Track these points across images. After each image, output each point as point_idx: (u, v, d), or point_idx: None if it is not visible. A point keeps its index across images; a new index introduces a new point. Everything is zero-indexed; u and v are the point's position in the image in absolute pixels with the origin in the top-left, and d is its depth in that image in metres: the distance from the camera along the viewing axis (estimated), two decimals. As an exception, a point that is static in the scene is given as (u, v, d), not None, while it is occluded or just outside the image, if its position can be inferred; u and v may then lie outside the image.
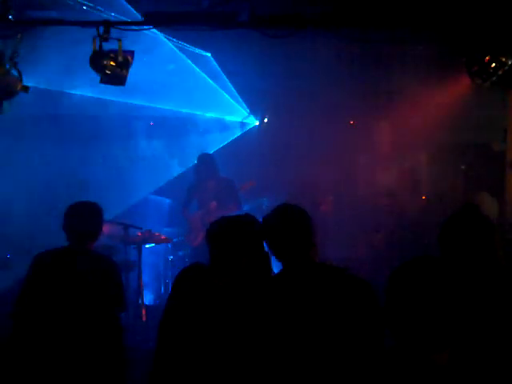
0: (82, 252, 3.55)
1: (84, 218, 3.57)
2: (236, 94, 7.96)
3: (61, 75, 5.90)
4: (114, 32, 4.27)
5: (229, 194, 6.72)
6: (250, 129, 8.81)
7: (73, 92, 6.87)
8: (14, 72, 4.34)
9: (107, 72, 4.36)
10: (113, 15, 4.60)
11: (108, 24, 4.27)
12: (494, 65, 4.21)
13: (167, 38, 5.80)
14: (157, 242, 6.32)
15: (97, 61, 4.31)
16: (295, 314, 2.53)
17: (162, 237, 6.29)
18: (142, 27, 4.55)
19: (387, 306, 1.82)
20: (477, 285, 2.56)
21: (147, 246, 6.32)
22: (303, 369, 2.45)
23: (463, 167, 7.33)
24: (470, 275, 2.61)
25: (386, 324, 1.82)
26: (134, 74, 4.44)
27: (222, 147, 8.37)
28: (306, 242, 2.67)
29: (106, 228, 5.71)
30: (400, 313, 1.77)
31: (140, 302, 5.95)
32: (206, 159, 6.92)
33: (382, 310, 2.46)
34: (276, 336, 2.52)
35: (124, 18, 4.61)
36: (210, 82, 7.36)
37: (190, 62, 6.69)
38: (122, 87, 4.47)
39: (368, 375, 1.95)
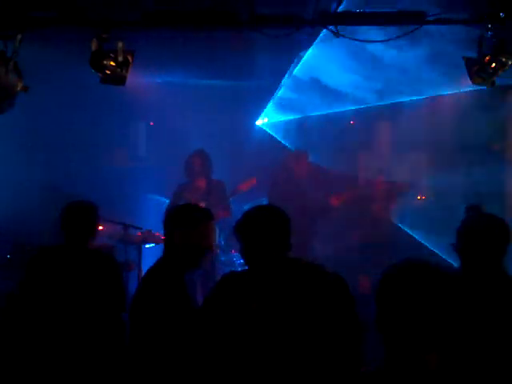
0: (80, 250, 3.57)
1: (78, 216, 3.64)
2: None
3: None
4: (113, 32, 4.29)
5: (219, 197, 6.56)
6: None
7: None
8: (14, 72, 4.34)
9: (107, 72, 4.37)
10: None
11: (108, 24, 4.27)
12: (494, 65, 4.21)
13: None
14: (157, 242, 6.31)
15: (97, 61, 4.32)
16: (268, 310, 2.54)
17: (162, 237, 6.27)
18: (141, 27, 4.55)
19: (378, 308, 1.80)
20: (492, 291, 2.57)
21: (147, 246, 6.32)
22: (277, 362, 2.46)
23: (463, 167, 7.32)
24: (487, 283, 2.62)
25: (376, 325, 1.81)
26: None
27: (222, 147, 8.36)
28: (281, 243, 2.69)
29: (105, 228, 5.75)
30: (391, 313, 1.76)
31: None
32: (201, 155, 6.75)
33: (354, 305, 2.48)
34: (248, 333, 2.54)
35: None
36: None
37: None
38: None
39: (343, 372, 1.95)
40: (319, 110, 8.02)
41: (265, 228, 2.67)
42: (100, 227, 3.91)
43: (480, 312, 2.42)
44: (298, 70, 6.87)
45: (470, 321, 2.07)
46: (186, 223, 3.05)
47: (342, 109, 7.83)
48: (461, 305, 1.73)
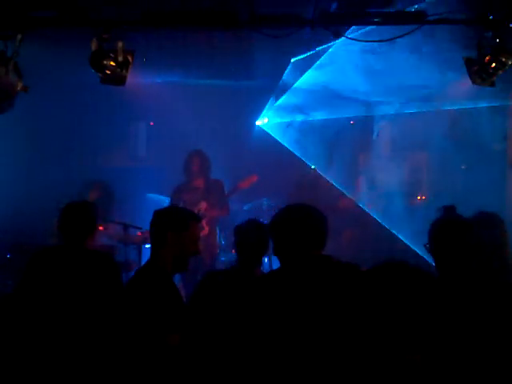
0: (78, 250, 3.57)
1: (77, 216, 3.64)
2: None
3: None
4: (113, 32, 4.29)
5: (218, 197, 6.56)
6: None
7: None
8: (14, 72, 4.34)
9: (107, 72, 4.37)
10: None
11: (108, 24, 4.27)
12: (494, 65, 4.21)
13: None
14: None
15: (97, 61, 4.32)
16: (302, 309, 2.53)
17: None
18: (141, 27, 4.55)
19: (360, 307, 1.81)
20: (466, 292, 2.57)
21: (147, 246, 6.32)
22: (308, 363, 2.45)
23: (463, 167, 7.33)
24: (461, 283, 2.62)
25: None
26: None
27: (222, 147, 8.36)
28: (318, 241, 2.69)
29: (105, 228, 5.76)
30: (373, 315, 1.76)
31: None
32: (199, 155, 6.76)
33: None
34: (285, 333, 2.52)
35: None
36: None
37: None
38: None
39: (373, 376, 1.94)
40: (320, 113, 8.03)
41: (301, 225, 2.67)
42: (100, 227, 3.91)
43: (456, 311, 2.43)
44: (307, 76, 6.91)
45: (447, 320, 2.09)
46: (179, 225, 3.05)
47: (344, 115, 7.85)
48: (438, 304, 1.75)
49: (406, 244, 7.16)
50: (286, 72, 7.01)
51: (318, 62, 6.47)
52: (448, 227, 2.81)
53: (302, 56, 6.40)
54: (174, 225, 3.07)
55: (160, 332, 2.75)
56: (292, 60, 6.62)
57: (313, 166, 7.46)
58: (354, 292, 2.47)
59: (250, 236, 3.56)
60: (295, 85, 7.33)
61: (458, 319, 2.43)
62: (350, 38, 4.52)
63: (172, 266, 3.06)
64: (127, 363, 2.88)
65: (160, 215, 3.19)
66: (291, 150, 8.27)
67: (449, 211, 3.15)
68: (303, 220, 2.70)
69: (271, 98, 8.30)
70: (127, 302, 2.94)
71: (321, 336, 2.47)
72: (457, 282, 2.64)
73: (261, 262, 3.67)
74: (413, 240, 6.99)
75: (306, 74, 6.89)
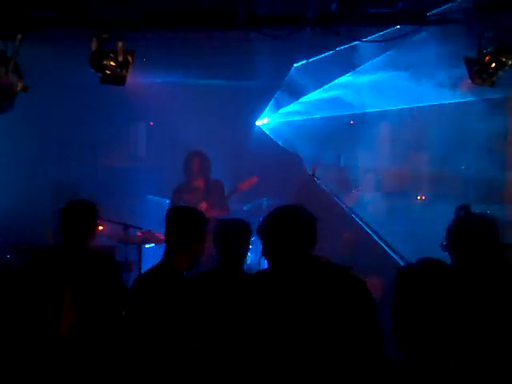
0: (79, 251, 3.57)
1: (77, 216, 3.63)
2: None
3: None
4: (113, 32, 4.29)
5: (218, 197, 6.56)
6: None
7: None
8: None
9: (107, 72, 4.37)
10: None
11: (108, 24, 4.27)
12: (493, 65, 4.21)
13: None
14: (157, 242, 6.30)
15: (97, 61, 4.32)
16: (290, 310, 2.53)
17: (162, 237, 6.26)
18: (141, 27, 4.55)
19: (395, 311, 1.80)
20: (489, 289, 2.57)
21: (147, 246, 6.32)
22: (302, 366, 2.45)
23: (463, 167, 7.32)
24: (483, 280, 2.62)
25: (393, 329, 1.80)
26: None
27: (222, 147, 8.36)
28: (306, 242, 2.67)
29: (106, 228, 5.75)
30: (408, 318, 1.76)
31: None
32: (199, 156, 6.75)
33: (375, 310, 2.47)
34: (274, 334, 2.52)
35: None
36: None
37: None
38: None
39: (366, 377, 1.94)
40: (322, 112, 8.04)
41: (288, 227, 2.66)
42: (100, 227, 3.90)
43: (481, 309, 2.43)
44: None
45: (479, 319, 2.09)
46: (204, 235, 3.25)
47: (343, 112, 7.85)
48: (469, 302, 1.75)
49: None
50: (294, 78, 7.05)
51: (329, 84, 6.51)
52: (470, 225, 2.81)
53: (304, 62, 6.42)
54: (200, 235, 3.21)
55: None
56: (295, 65, 6.63)
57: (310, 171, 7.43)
58: (342, 294, 2.48)
59: (230, 236, 3.56)
60: (304, 99, 7.38)
61: (485, 319, 2.44)
62: (351, 39, 4.52)
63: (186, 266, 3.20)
64: (129, 361, 2.88)
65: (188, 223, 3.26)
66: (291, 149, 8.27)
67: (464, 210, 3.15)
68: (291, 221, 2.67)
69: (272, 100, 8.31)
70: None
71: (310, 336, 2.47)
72: (479, 278, 2.64)
73: (243, 263, 3.67)
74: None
75: (316, 93, 6.91)
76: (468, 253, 2.74)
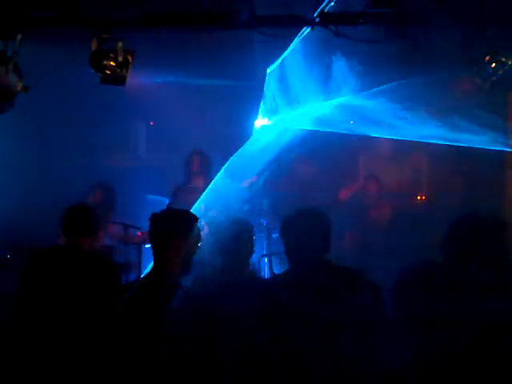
0: (78, 252, 3.58)
1: (78, 218, 3.67)
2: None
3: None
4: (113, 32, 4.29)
5: None
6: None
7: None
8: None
9: (107, 72, 4.37)
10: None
11: (108, 24, 4.28)
12: (494, 65, 4.21)
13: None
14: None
15: (97, 61, 4.32)
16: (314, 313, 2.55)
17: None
18: (141, 27, 4.55)
19: (396, 312, 1.81)
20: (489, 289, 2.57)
21: (147, 246, 6.31)
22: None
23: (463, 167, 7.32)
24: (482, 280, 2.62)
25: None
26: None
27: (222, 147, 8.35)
28: (321, 245, 2.72)
29: (105, 228, 5.75)
30: (409, 319, 1.76)
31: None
32: (199, 156, 6.79)
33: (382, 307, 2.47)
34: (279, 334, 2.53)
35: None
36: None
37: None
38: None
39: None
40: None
41: (304, 230, 2.73)
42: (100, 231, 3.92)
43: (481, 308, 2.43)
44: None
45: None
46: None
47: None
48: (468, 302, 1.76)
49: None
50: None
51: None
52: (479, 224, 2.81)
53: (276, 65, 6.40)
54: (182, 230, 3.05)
55: None
56: (268, 70, 6.63)
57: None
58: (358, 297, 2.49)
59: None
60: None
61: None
62: (351, 39, 4.51)
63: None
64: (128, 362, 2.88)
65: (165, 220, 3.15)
66: (290, 149, 8.26)
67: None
68: (314, 224, 2.76)
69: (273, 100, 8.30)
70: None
71: (328, 337, 2.48)
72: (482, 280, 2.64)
73: (249, 263, 3.64)
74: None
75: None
76: (468, 253, 2.73)
